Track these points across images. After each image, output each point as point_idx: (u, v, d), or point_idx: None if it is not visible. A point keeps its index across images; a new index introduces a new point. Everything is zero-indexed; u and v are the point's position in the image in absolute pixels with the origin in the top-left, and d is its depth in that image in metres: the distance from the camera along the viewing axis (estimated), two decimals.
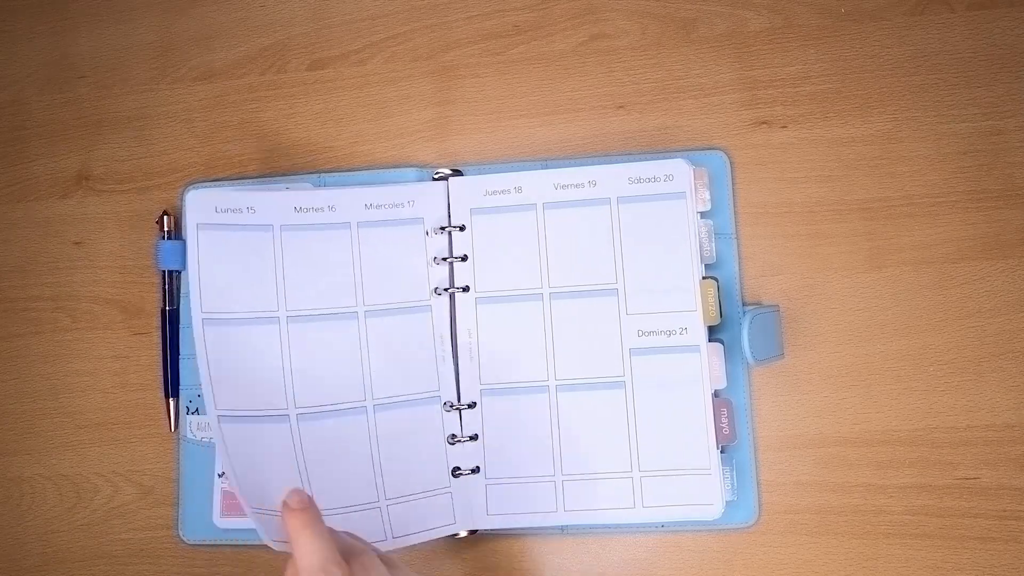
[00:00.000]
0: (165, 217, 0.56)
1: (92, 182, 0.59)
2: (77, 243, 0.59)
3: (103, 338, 0.57)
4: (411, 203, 0.53)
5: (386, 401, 0.51)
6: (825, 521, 0.51)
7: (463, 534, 0.51)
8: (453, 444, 0.52)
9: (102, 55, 0.60)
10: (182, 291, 0.56)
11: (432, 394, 0.52)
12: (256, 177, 0.57)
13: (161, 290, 0.56)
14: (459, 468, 0.51)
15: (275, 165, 0.58)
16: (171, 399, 0.55)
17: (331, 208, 0.52)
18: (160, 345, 0.56)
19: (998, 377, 0.51)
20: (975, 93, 0.54)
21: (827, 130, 0.55)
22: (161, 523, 0.55)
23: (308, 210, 0.52)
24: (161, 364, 0.56)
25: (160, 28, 0.60)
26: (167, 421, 0.55)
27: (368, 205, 0.53)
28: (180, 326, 0.56)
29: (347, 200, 0.53)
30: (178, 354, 0.55)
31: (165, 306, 0.56)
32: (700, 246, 0.51)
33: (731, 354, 0.51)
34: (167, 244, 0.56)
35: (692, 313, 0.50)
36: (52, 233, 0.59)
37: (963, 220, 0.53)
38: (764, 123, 0.55)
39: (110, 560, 0.55)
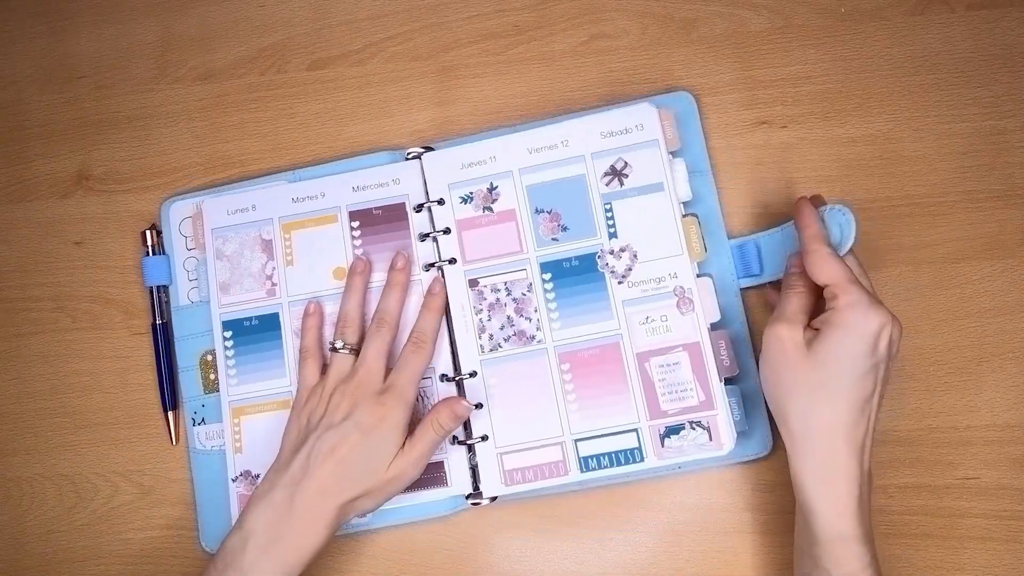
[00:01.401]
0: (147, 233, 0.56)
1: (92, 182, 0.59)
2: (77, 243, 0.59)
3: (103, 338, 0.57)
4: (396, 182, 0.55)
5: None
6: None
7: (485, 502, 0.51)
8: None
9: (102, 55, 0.60)
10: (172, 304, 0.56)
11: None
12: (232, 182, 0.57)
13: (150, 305, 0.56)
14: (457, 436, 0.51)
15: (275, 165, 0.58)
16: (170, 412, 0.55)
17: (322, 195, 0.55)
18: (154, 361, 0.56)
19: (998, 377, 0.51)
20: (975, 93, 0.54)
21: (827, 130, 0.55)
22: (162, 523, 0.55)
23: (303, 199, 0.55)
24: (157, 381, 0.56)
25: (160, 28, 0.60)
26: (168, 436, 0.55)
27: (355, 188, 0.55)
28: (175, 338, 0.55)
29: (335, 186, 0.55)
30: (172, 367, 0.55)
31: (155, 320, 0.56)
32: (675, 185, 0.52)
33: (720, 286, 0.52)
34: (152, 260, 0.56)
35: (679, 257, 0.51)
36: (52, 233, 0.59)
37: (963, 220, 0.53)
38: (764, 123, 0.55)
39: (110, 560, 0.55)
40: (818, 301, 0.46)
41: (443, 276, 0.53)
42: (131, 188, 0.59)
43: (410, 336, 0.51)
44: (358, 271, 0.53)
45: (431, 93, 0.58)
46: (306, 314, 0.53)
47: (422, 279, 0.53)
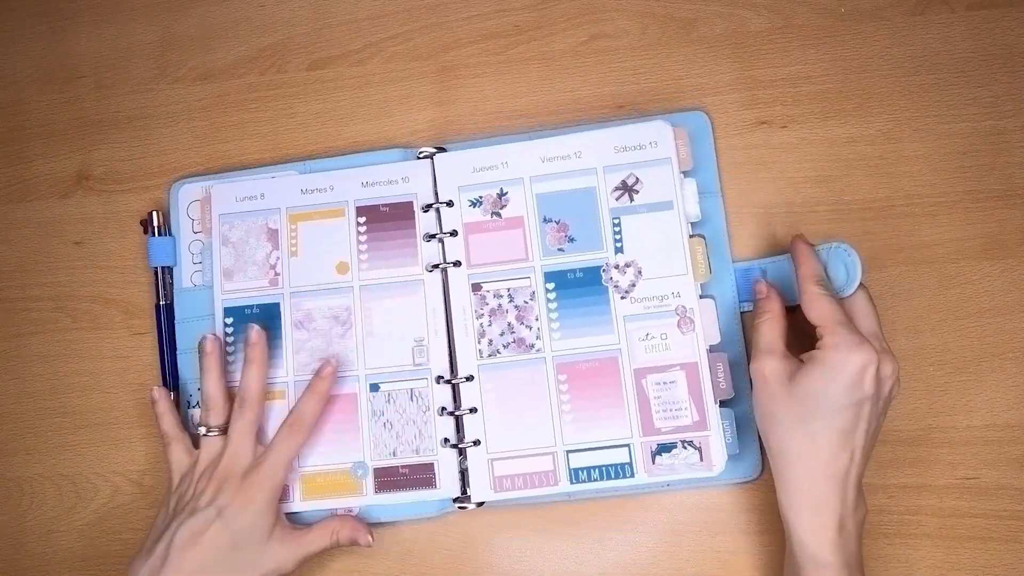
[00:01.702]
0: (154, 214, 0.56)
1: (92, 182, 0.59)
2: (77, 243, 0.59)
3: (103, 338, 0.57)
4: (405, 180, 0.55)
5: (376, 372, 0.53)
6: None
7: (472, 507, 0.51)
8: (442, 416, 0.52)
9: (102, 55, 0.60)
10: (175, 286, 0.56)
11: (422, 367, 0.53)
12: (240, 168, 0.58)
13: (154, 286, 0.56)
14: (449, 439, 0.52)
15: (275, 165, 0.58)
16: (172, 392, 0.55)
17: (331, 188, 0.55)
18: (156, 343, 0.56)
19: (998, 377, 0.51)
20: (975, 93, 0.54)
21: (827, 130, 0.55)
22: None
23: (312, 191, 0.55)
24: (159, 360, 0.56)
25: (160, 28, 0.60)
26: None
27: (365, 183, 0.55)
28: (175, 320, 0.56)
29: (345, 180, 0.55)
30: (175, 348, 0.55)
31: (159, 301, 0.56)
32: (685, 204, 0.52)
33: (722, 308, 0.52)
34: (157, 241, 0.56)
35: (684, 277, 0.51)
36: (52, 233, 0.59)
37: (963, 220, 0.53)
38: (764, 123, 0.55)
39: (110, 560, 0.55)
40: (793, 322, 0.47)
41: (446, 278, 0.53)
42: (131, 188, 0.59)
43: (287, 418, 0.49)
44: (207, 351, 0.51)
45: (431, 93, 0.58)
46: (152, 402, 0.52)
47: (424, 279, 0.53)
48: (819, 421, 0.43)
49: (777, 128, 0.55)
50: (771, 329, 0.46)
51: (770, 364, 0.45)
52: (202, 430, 0.50)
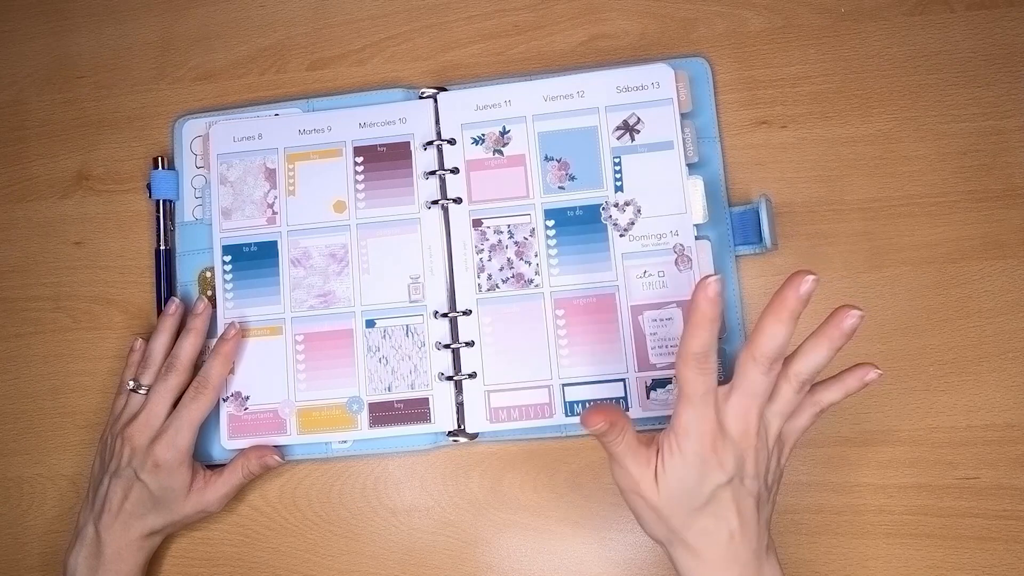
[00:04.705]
0: (159, 158, 0.57)
1: (92, 182, 0.59)
2: (77, 243, 0.59)
3: (103, 338, 0.57)
4: (403, 120, 0.55)
5: (372, 309, 0.54)
6: (825, 521, 0.51)
7: (463, 440, 0.52)
8: (439, 350, 0.53)
9: (102, 55, 0.61)
10: (177, 219, 0.56)
11: (418, 304, 0.53)
12: (244, 106, 0.58)
13: (155, 226, 0.56)
14: (445, 373, 0.52)
15: None
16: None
17: (329, 129, 0.56)
18: (155, 286, 0.56)
19: (998, 377, 0.51)
20: (975, 93, 0.54)
21: (827, 130, 0.55)
22: None
23: (310, 132, 0.56)
24: (155, 306, 0.56)
25: (160, 28, 0.60)
26: None
27: (362, 124, 0.55)
28: (177, 253, 0.56)
29: (343, 121, 0.56)
30: (171, 287, 0.56)
31: (159, 245, 0.56)
32: (684, 146, 0.52)
33: (718, 249, 0.52)
34: (160, 174, 0.56)
35: (682, 216, 0.52)
36: (52, 233, 0.59)
37: (963, 220, 0.53)
38: (764, 123, 0.55)
39: None
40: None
41: (447, 214, 0.54)
42: (131, 188, 0.59)
43: (194, 380, 0.51)
44: (170, 312, 0.53)
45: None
46: (131, 351, 0.54)
47: (420, 217, 0.54)
48: (702, 518, 0.39)
49: (777, 128, 0.55)
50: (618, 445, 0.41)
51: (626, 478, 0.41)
52: (131, 384, 0.52)
